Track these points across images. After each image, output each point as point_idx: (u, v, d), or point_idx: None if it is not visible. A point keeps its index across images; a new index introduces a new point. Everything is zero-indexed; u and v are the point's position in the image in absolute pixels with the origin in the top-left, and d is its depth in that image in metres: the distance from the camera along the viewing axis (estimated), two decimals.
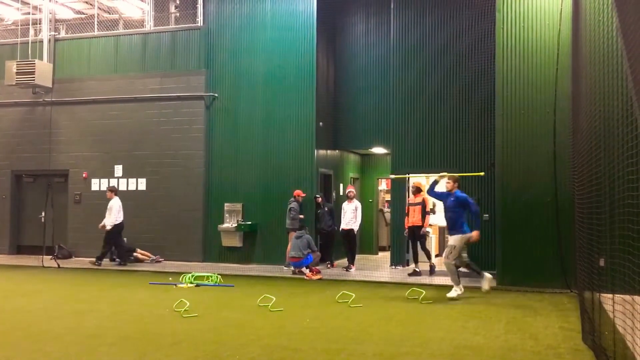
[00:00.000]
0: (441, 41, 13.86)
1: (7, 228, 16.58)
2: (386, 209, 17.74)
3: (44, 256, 14.52)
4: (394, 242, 14.26)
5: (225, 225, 14.66)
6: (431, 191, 10.47)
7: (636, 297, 5.02)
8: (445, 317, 8.36)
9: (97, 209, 14.99)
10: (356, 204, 13.92)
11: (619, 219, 5.17)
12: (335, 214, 14.31)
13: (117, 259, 14.68)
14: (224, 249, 14.78)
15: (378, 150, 16.70)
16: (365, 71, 15.76)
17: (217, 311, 8.84)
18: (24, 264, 14.63)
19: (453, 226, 9.93)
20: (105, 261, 14.60)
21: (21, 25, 16.66)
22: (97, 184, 15.71)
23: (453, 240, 9.87)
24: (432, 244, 15.00)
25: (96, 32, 16.19)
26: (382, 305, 9.31)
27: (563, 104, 10.63)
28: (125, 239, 15.00)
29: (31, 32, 16.67)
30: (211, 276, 11.59)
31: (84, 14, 17.11)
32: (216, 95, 15.16)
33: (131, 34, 15.96)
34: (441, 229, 15.59)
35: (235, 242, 14.63)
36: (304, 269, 12.65)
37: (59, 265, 14.26)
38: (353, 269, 13.54)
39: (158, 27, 15.77)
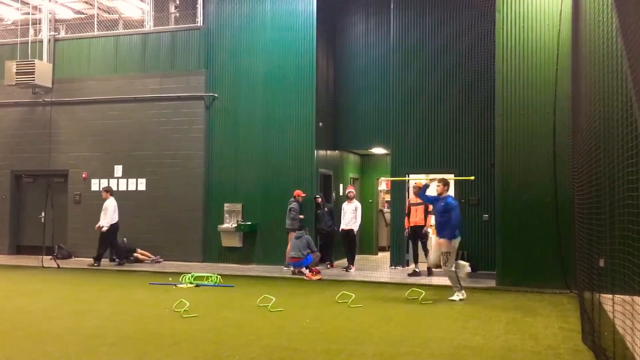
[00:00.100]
0: (441, 41, 13.87)
1: (7, 228, 16.57)
2: (386, 210, 17.73)
3: (44, 256, 14.52)
4: (394, 242, 14.26)
5: (225, 225, 14.66)
6: (422, 194, 10.47)
7: (636, 298, 5.02)
8: (445, 317, 8.36)
9: (97, 209, 14.96)
10: (356, 204, 13.92)
11: (619, 219, 5.17)
12: (335, 215, 14.30)
13: (116, 259, 14.67)
14: (224, 249, 14.78)
15: (378, 150, 16.71)
16: (365, 71, 15.76)
17: (217, 311, 8.84)
18: (23, 264, 14.62)
19: (442, 230, 9.85)
20: (105, 261, 14.60)
21: (21, 25, 16.66)
22: (97, 184, 15.70)
23: (445, 247, 9.80)
24: (433, 244, 14.97)
25: (96, 32, 16.19)
26: (381, 306, 9.31)
27: (563, 104, 10.63)
28: (125, 239, 15.01)
29: (31, 32, 16.66)
30: (211, 276, 11.59)
31: (84, 14, 17.12)
32: (216, 95, 15.17)
33: (131, 34, 15.96)
34: None
35: (235, 242, 14.63)
36: (303, 269, 12.65)
37: (58, 265, 14.26)
38: (353, 270, 13.54)
39: (158, 27, 15.77)
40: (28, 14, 16.88)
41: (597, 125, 6.30)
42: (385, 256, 15.78)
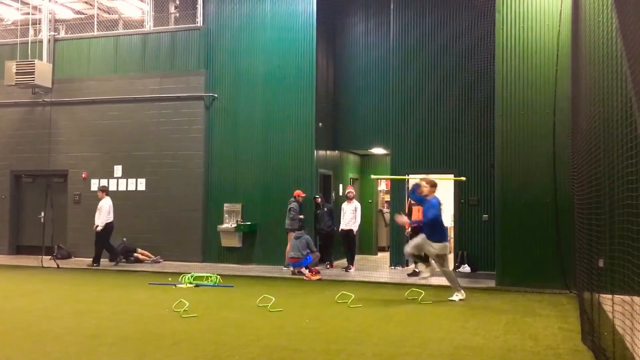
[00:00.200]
0: (441, 42, 13.87)
1: (7, 228, 16.57)
2: (385, 210, 17.74)
3: (44, 256, 14.51)
4: (394, 242, 14.27)
5: (225, 225, 14.67)
6: (412, 194, 10.46)
7: (635, 298, 5.03)
8: (444, 317, 8.36)
9: (96, 210, 14.95)
10: (355, 204, 13.92)
11: (619, 219, 5.18)
12: (335, 215, 14.31)
13: (112, 259, 14.59)
14: (224, 250, 14.78)
15: (378, 150, 16.71)
16: (365, 72, 15.77)
17: (217, 311, 8.84)
18: (23, 264, 14.62)
19: (433, 232, 9.74)
20: (105, 261, 14.59)
21: (21, 26, 16.66)
22: (97, 185, 15.66)
23: (441, 249, 9.74)
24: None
25: (96, 33, 16.19)
26: (381, 306, 9.31)
27: (563, 105, 10.64)
28: (125, 239, 15.01)
29: (31, 32, 16.66)
30: (210, 276, 11.59)
31: (84, 14, 17.12)
32: (216, 95, 15.17)
33: (131, 34, 15.96)
34: None
35: (235, 242, 14.63)
36: (303, 270, 12.65)
37: (58, 265, 14.25)
38: (352, 270, 13.54)
39: (158, 28, 15.77)
40: (28, 14, 16.89)
41: (597, 125, 6.30)
42: (384, 256, 15.78)
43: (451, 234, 14.99)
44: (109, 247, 14.53)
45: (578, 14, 8.80)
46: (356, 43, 16.09)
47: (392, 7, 14.35)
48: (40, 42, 16.36)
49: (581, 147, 7.70)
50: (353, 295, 9.41)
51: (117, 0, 16.32)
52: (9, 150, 16.59)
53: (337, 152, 16.33)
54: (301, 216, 13.60)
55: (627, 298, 5.19)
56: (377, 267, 14.00)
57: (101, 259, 14.40)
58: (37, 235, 15.70)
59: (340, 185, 16.48)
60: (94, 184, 15.74)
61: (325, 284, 11.71)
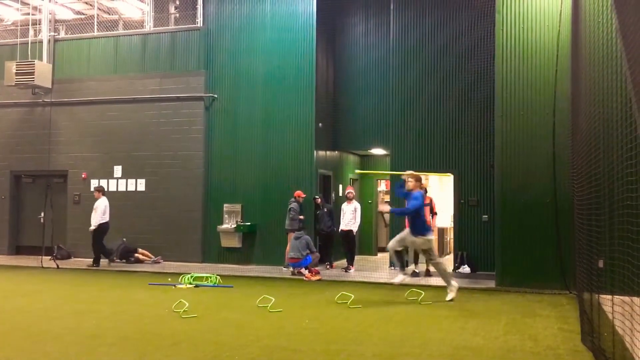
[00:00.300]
0: (441, 42, 13.88)
1: (6, 228, 16.57)
2: (385, 210, 17.73)
3: (43, 257, 14.52)
4: None
5: (225, 226, 14.67)
6: (398, 190, 10.46)
7: (635, 299, 5.03)
8: (444, 318, 8.36)
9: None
10: (355, 205, 13.92)
11: (618, 220, 5.18)
12: (335, 215, 14.31)
13: (109, 259, 14.56)
14: (223, 250, 14.78)
15: (377, 151, 16.71)
16: (364, 72, 15.78)
17: (217, 312, 8.84)
18: (23, 265, 14.62)
19: (413, 225, 9.80)
20: (104, 261, 14.60)
21: (21, 26, 16.67)
22: (97, 185, 15.68)
23: (424, 243, 9.79)
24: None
25: (96, 33, 16.19)
26: (381, 306, 9.31)
27: (562, 105, 10.64)
28: (124, 239, 15.00)
29: (31, 32, 16.66)
30: (210, 277, 11.59)
31: (84, 14, 17.13)
32: (216, 96, 15.17)
33: (131, 35, 15.97)
34: (440, 230, 15.60)
35: (235, 242, 14.63)
36: (303, 270, 12.65)
37: (58, 265, 14.25)
38: (352, 270, 13.54)
39: (158, 28, 15.78)
40: (28, 14, 16.89)
41: (597, 126, 6.31)
42: (384, 257, 15.77)
43: (451, 234, 15.02)
44: (102, 248, 14.48)
45: (578, 15, 8.81)
46: (356, 43, 16.10)
47: (392, 7, 14.36)
48: (40, 42, 16.37)
49: (581, 147, 7.70)
50: (353, 296, 9.41)
51: (117, 1, 16.33)
52: (8, 151, 16.59)
53: (336, 152, 16.33)
54: (301, 217, 13.60)
55: (626, 299, 5.19)
56: (377, 268, 14.00)
57: (101, 260, 14.40)
58: (37, 235, 15.70)
59: (340, 186, 16.48)
60: (94, 185, 15.72)
61: (325, 285, 11.71)
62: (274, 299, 8.93)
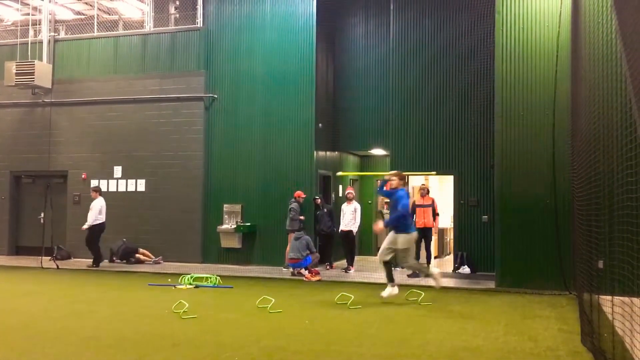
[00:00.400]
0: (441, 43, 13.88)
1: (6, 229, 16.56)
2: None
3: (43, 257, 14.51)
4: None
5: (225, 226, 14.66)
6: (380, 190, 10.42)
7: (635, 299, 5.02)
8: (444, 318, 8.36)
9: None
10: (355, 205, 13.92)
11: (618, 221, 5.18)
12: (335, 216, 14.30)
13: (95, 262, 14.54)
14: (223, 250, 14.77)
15: (377, 151, 16.71)
16: (364, 72, 15.77)
17: (216, 312, 8.84)
18: (23, 265, 14.62)
19: (397, 225, 9.68)
20: (105, 262, 14.59)
21: (21, 26, 16.66)
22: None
23: (402, 243, 9.60)
24: (432, 245, 14.97)
25: (96, 33, 16.19)
26: (381, 307, 9.30)
27: (562, 106, 10.63)
28: (125, 239, 15.00)
29: (31, 32, 16.66)
30: (210, 277, 11.59)
31: (84, 14, 17.13)
32: (215, 96, 15.17)
33: (131, 35, 15.97)
34: (440, 231, 15.59)
35: (235, 243, 14.62)
36: (302, 271, 12.65)
37: (57, 266, 14.25)
38: (352, 271, 13.54)
39: (158, 28, 15.77)
40: (28, 14, 16.89)
41: (597, 126, 6.31)
42: None
43: (451, 234, 15.02)
44: (97, 248, 14.40)
45: (578, 15, 8.81)
46: (356, 44, 16.10)
47: (392, 8, 14.36)
48: (40, 42, 16.37)
49: (581, 148, 7.70)
50: (353, 297, 9.40)
51: (117, 1, 16.33)
52: (8, 151, 16.59)
53: (336, 153, 16.33)
54: (302, 217, 13.59)
55: (626, 299, 5.19)
56: (376, 268, 13.90)
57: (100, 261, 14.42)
58: (37, 236, 15.68)
59: (340, 186, 16.48)
60: (94, 185, 15.73)
61: (325, 285, 11.71)
62: (273, 300, 8.93)
